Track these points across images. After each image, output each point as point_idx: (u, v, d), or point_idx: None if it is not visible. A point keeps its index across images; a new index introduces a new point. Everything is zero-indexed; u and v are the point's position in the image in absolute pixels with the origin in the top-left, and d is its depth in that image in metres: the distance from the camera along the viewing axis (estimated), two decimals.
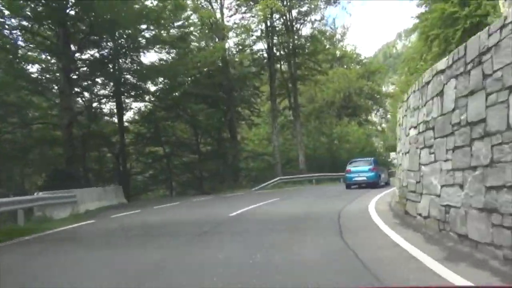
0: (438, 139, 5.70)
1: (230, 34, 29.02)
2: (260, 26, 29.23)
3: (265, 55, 30.52)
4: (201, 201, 16.41)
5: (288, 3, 29.00)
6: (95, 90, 26.28)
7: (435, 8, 17.44)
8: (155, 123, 29.34)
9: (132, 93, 26.78)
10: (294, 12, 30.12)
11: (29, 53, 21.27)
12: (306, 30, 40.31)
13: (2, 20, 18.22)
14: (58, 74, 21.74)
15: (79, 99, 26.39)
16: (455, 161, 5.08)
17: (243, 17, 29.08)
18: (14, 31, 19.65)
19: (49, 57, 22.38)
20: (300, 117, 32.65)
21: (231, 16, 29.67)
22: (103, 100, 27.17)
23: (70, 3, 19.79)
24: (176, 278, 4.34)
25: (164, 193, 32.90)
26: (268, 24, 29.09)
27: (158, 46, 24.43)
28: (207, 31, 28.36)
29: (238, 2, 28.43)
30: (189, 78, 28.68)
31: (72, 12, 20.50)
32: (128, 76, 26.37)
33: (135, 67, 25.57)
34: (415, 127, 7.13)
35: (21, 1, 18.25)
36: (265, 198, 14.83)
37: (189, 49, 25.77)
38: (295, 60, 31.16)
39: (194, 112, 28.61)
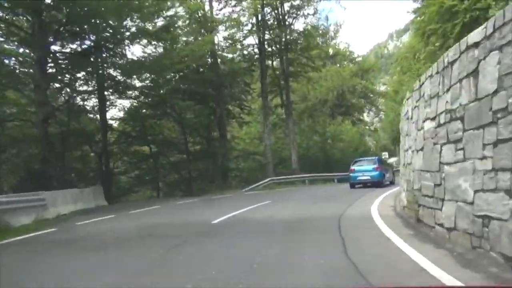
0: (470, 131, 4.49)
1: (220, 28, 27.70)
2: (251, 20, 27.98)
3: (256, 50, 29.23)
4: (185, 204, 15.06)
5: None
6: (76, 86, 24.75)
7: (433, 2, 16.69)
8: (141, 121, 27.90)
9: (116, 89, 25.24)
10: (286, 6, 28.90)
11: (5, 46, 19.82)
12: (299, 25, 39.19)
13: None
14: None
15: (60, 95, 24.97)
16: (499, 159, 3.86)
17: (233, 11, 27.80)
18: None
19: (27, 50, 20.97)
20: (293, 115, 31.46)
21: (220, 9, 28.34)
22: (85, 96, 25.56)
23: None
24: None
25: (151, 194, 31.48)
26: (259, 18, 27.84)
27: (142, 38, 22.99)
28: (194, 25, 26.98)
29: None
30: (177, 74, 27.33)
31: (48, 0, 19.05)
32: (111, 71, 24.92)
33: (118, 61, 24.14)
34: (432, 119, 5.93)
35: None
36: (254, 201, 13.58)
37: (175, 41, 24.33)
38: (287, 56, 29.94)
39: (181, 110, 27.20)
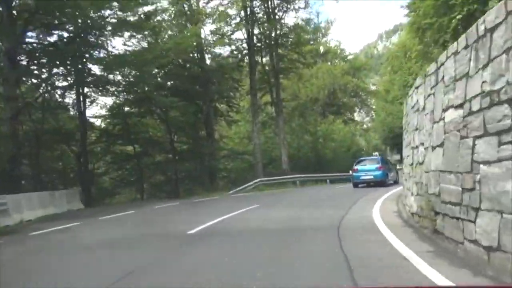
0: None
1: (207, 21, 26.35)
2: (239, 14, 26.66)
3: (245, 45, 27.95)
4: (163, 208, 13.63)
5: None
6: (53, 80, 23.19)
7: None
8: (123, 118, 26.40)
9: (96, 85, 23.74)
10: None
11: None
12: (289, 20, 37.98)
13: None
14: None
15: (37, 90, 23.40)
16: None
17: (220, 3, 26.43)
18: None
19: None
20: (283, 114, 30.22)
21: (207, 2, 26.95)
22: (62, 92, 24.02)
23: None
24: None
25: (135, 196, 29.97)
26: (248, 11, 26.55)
27: (123, 30, 21.53)
28: (179, 18, 25.58)
29: None
30: (161, 71, 25.92)
31: None
32: (91, 66, 23.43)
33: (99, 55, 22.70)
34: (458, 106, 4.71)
35: None
36: (241, 205, 12.29)
37: (158, 32, 22.92)
38: (278, 51, 28.71)
39: (165, 106, 25.78)
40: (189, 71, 26.77)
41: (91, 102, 26.47)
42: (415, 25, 18.13)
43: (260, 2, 27.14)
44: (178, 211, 12.51)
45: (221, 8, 26.02)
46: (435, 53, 18.96)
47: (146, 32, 23.86)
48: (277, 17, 27.94)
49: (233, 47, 28.38)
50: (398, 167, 23.43)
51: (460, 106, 4.64)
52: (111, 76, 24.50)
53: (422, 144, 6.53)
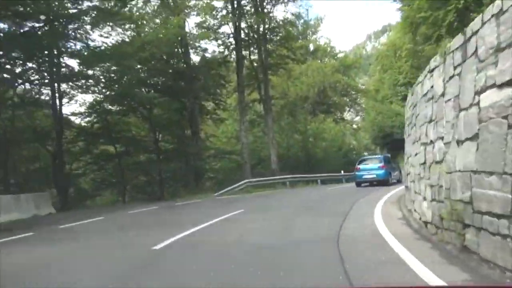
0: None
1: (192, 14, 24.99)
2: (226, 5, 25.33)
3: (232, 40, 26.65)
4: (138, 214, 12.17)
5: None
6: (26, 76, 21.66)
7: None
8: (101, 116, 24.88)
9: (71, 80, 22.24)
10: None
11: None
12: (278, 14, 36.74)
13: None
14: None
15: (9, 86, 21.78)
16: None
17: None
18: None
19: None
20: (272, 112, 28.97)
21: None
22: (36, 88, 22.49)
23: None
24: None
25: (117, 199, 28.42)
26: (235, 3, 25.24)
27: (101, 21, 20.09)
28: (163, 13, 24.16)
29: None
30: (144, 67, 24.47)
31: None
32: (68, 60, 21.95)
33: (74, 47, 21.27)
34: (505, 84, 3.49)
35: None
36: (224, 210, 10.99)
37: (137, 22, 21.49)
38: (266, 46, 27.47)
39: (149, 104, 24.36)
40: (173, 67, 25.38)
41: (70, 100, 24.84)
42: (409, 19, 17.25)
43: None
44: (152, 217, 11.12)
45: (206, 0, 24.69)
46: (427, 50, 18.02)
47: (127, 26, 22.52)
48: (265, 10, 26.71)
49: (220, 41, 27.06)
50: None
51: (509, 83, 3.42)
52: (90, 72, 23.13)
53: (441, 138, 5.30)
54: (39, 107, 22.38)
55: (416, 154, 7.22)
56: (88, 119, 26.21)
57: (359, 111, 51.98)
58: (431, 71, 5.88)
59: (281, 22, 27.54)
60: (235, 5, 25.23)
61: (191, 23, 25.37)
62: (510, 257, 3.38)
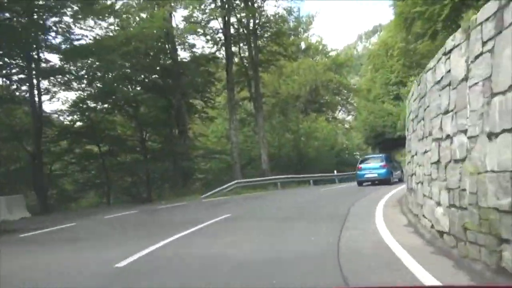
0: None
1: (178, 7, 23.90)
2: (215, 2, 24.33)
3: (221, 35, 25.61)
4: (114, 219, 11.01)
5: None
6: (2, 71, 20.44)
7: None
8: (84, 114, 23.69)
9: (50, 75, 21.07)
10: None
11: None
12: (269, 9, 35.68)
13: None
14: None
15: None
16: None
17: None
18: None
19: None
20: (263, 110, 28.01)
21: None
22: (13, 84, 21.25)
23: None
24: None
25: (101, 201, 27.20)
26: None
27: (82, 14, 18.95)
28: (148, 5, 23.05)
29: None
30: (128, 63, 23.34)
31: None
32: (47, 54, 20.81)
33: (53, 40, 20.13)
34: None
35: None
36: (209, 215, 10.00)
37: (120, 16, 20.37)
38: (257, 42, 26.50)
39: (133, 101, 23.24)
40: (159, 63, 24.28)
41: (51, 97, 23.59)
42: (403, 15, 16.48)
43: None
44: (128, 223, 10.04)
45: None
46: (421, 47, 17.22)
47: (111, 20, 21.41)
48: (256, 4, 25.74)
49: (208, 37, 26.01)
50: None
51: None
52: (72, 68, 21.98)
53: (463, 131, 4.39)
54: (16, 104, 21.13)
55: (425, 152, 6.30)
56: (70, 117, 25.08)
57: (351, 110, 51.36)
58: (448, 52, 4.95)
59: (272, 18, 26.60)
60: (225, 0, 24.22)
61: (179, 17, 24.55)
62: None
